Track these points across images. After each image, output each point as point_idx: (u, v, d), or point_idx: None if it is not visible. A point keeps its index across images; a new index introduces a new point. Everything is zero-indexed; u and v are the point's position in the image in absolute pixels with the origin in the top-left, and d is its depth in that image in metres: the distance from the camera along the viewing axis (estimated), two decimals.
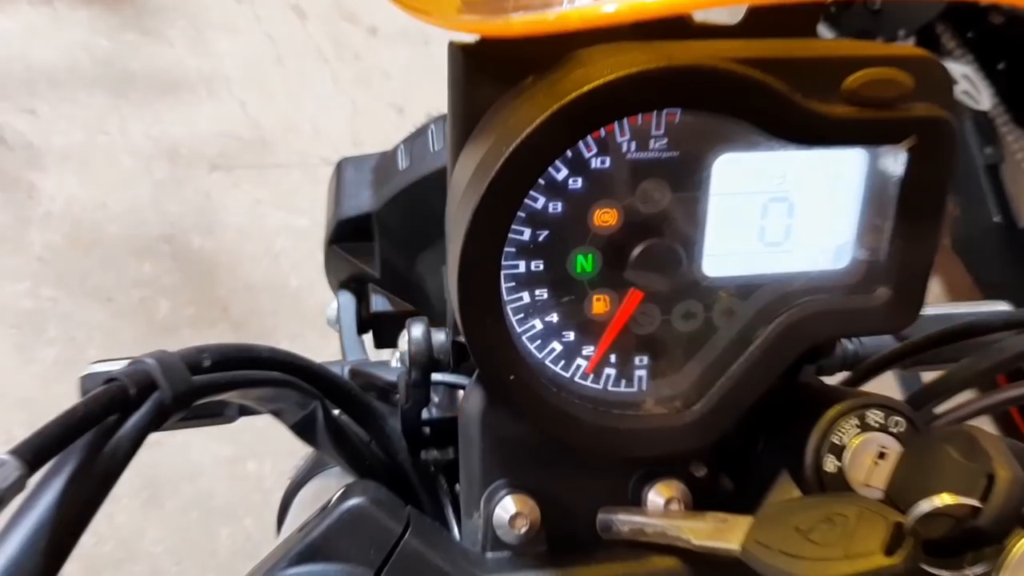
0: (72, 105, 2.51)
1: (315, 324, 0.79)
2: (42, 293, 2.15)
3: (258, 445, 1.88)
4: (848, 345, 0.63)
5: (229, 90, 2.62)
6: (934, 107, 0.39)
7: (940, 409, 0.55)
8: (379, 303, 0.74)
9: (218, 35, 2.75)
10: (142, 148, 2.46)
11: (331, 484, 0.70)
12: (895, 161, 0.41)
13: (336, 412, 0.55)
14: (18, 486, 0.28)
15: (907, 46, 0.41)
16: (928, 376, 0.59)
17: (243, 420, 0.59)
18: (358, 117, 2.61)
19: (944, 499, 0.37)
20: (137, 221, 2.31)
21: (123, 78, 2.58)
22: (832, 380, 0.58)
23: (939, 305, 0.66)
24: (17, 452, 0.28)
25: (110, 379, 0.36)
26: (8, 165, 2.38)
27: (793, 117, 0.38)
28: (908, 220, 0.42)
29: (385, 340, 0.77)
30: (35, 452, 0.29)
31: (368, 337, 0.77)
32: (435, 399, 0.90)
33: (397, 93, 2.66)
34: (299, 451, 0.61)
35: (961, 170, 1.85)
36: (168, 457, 1.84)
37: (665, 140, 0.40)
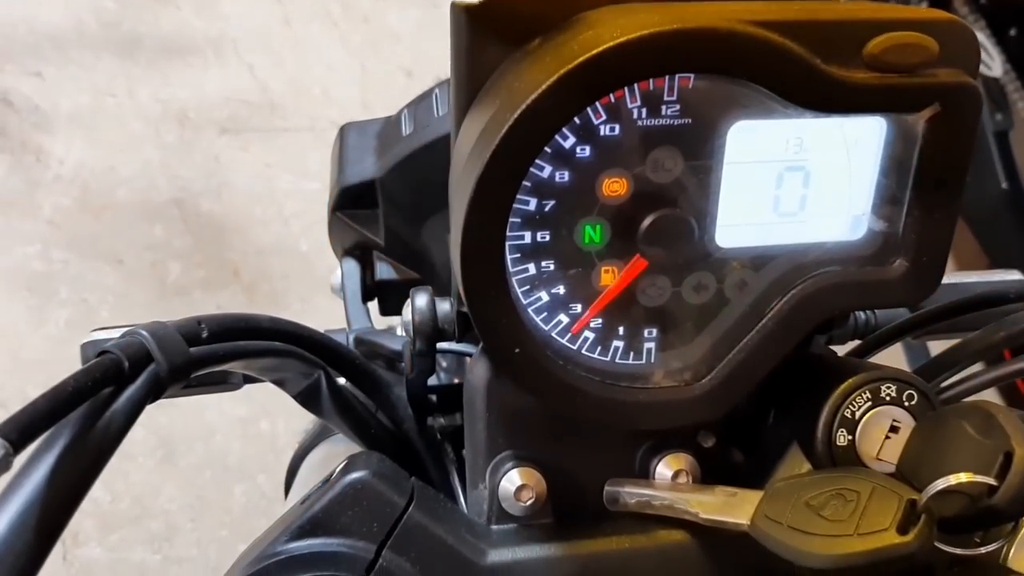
0: (79, 68, 2.50)
1: (326, 288, 0.78)
2: (53, 256, 2.16)
3: (271, 405, 1.89)
4: (860, 314, 0.62)
5: (237, 53, 2.60)
6: (959, 73, 0.37)
7: (948, 381, 0.54)
8: (384, 271, 0.74)
9: None
10: (150, 111, 2.44)
11: (339, 450, 0.70)
12: (916, 129, 0.39)
13: (341, 381, 0.55)
14: (3, 465, 0.27)
15: (931, 9, 0.39)
16: (935, 346, 0.58)
17: None
18: (367, 80, 2.59)
19: (960, 477, 0.36)
20: (146, 184, 2.30)
21: (129, 40, 2.56)
22: (842, 348, 0.57)
23: (950, 274, 0.65)
24: (0, 431, 0.28)
25: (103, 352, 0.36)
26: (15, 128, 2.37)
27: (812, 83, 0.37)
28: (927, 190, 0.40)
29: (390, 308, 0.76)
30: (20, 430, 0.28)
31: (373, 305, 0.76)
32: (443, 364, 0.90)
33: (406, 56, 2.64)
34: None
35: None
36: (183, 417, 1.86)
37: (677, 107, 0.39)
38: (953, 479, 0.36)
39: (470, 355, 0.57)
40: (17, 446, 0.28)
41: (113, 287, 2.12)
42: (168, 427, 1.87)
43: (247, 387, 0.59)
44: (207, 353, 0.40)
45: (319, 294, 2.09)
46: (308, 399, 0.52)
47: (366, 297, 0.74)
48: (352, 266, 0.75)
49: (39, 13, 2.58)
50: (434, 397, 0.60)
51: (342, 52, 2.65)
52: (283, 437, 1.89)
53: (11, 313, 2.04)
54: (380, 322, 0.76)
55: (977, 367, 0.54)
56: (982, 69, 1.82)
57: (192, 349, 0.39)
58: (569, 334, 0.42)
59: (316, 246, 2.20)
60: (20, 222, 2.21)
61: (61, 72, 2.48)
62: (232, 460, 1.88)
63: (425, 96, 0.69)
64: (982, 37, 1.82)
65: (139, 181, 2.31)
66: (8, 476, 0.30)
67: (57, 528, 0.31)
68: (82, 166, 2.32)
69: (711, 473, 0.48)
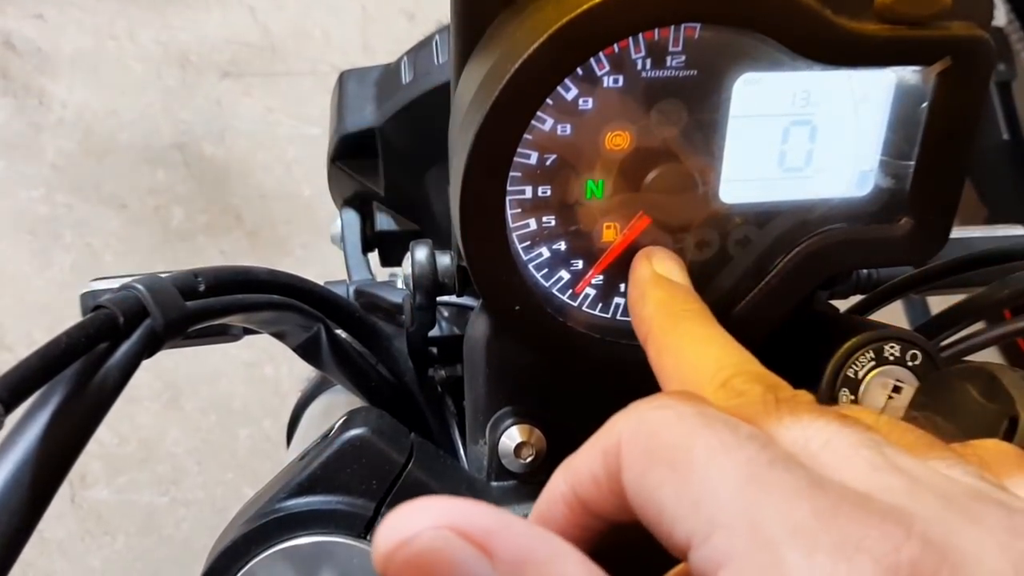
0: (80, 10, 2.47)
1: (328, 233, 0.78)
2: (57, 199, 2.15)
3: (275, 350, 1.89)
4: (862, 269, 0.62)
5: None
6: (971, 26, 0.36)
7: (950, 339, 0.53)
8: (384, 222, 0.73)
9: None
10: (152, 54, 2.42)
11: (341, 401, 0.70)
12: (926, 83, 0.38)
13: (342, 334, 0.54)
14: None
15: None
16: (934, 301, 0.57)
17: None
18: (368, 24, 2.55)
19: None
20: (149, 128, 2.29)
21: None
22: (843, 304, 0.56)
23: (954, 228, 0.64)
24: None
25: (97, 306, 0.35)
26: (18, 71, 2.35)
27: (822, 35, 0.36)
28: (936, 147, 0.39)
29: (391, 259, 0.75)
30: (12, 388, 0.28)
31: (374, 255, 0.75)
32: (443, 313, 0.89)
33: None
34: None
35: None
36: (187, 361, 1.87)
37: (683, 58, 0.37)
38: None
39: (471, 309, 0.57)
40: (9, 405, 0.28)
41: (117, 231, 2.12)
42: (173, 371, 1.88)
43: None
44: (204, 307, 0.40)
45: (321, 239, 2.08)
46: (308, 352, 0.51)
47: (366, 248, 0.73)
48: (352, 217, 0.74)
49: None
50: (434, 349, 0.60)
51: None
52: (287, 382, 1.90)
53: (16, 257, 2.05)
54: (381, 272, 0.76)
55: (978, 325, 0.53)
56: None
57: (188, 303, 0.39)
58: (570, 291, 0.42)
59: (318, 191, 2.19)
60: (24, 165, 2.20)
61: (62, 15, 2.45)
62: (237, 404, 1.90)
63: (425, 43, 0.68)
64: None
65: (141, 125, 2.29)
66: (1, 435, 0.30)
67: (52, 486, 0.31)
68: (85, 109, 2.30)
69: None
